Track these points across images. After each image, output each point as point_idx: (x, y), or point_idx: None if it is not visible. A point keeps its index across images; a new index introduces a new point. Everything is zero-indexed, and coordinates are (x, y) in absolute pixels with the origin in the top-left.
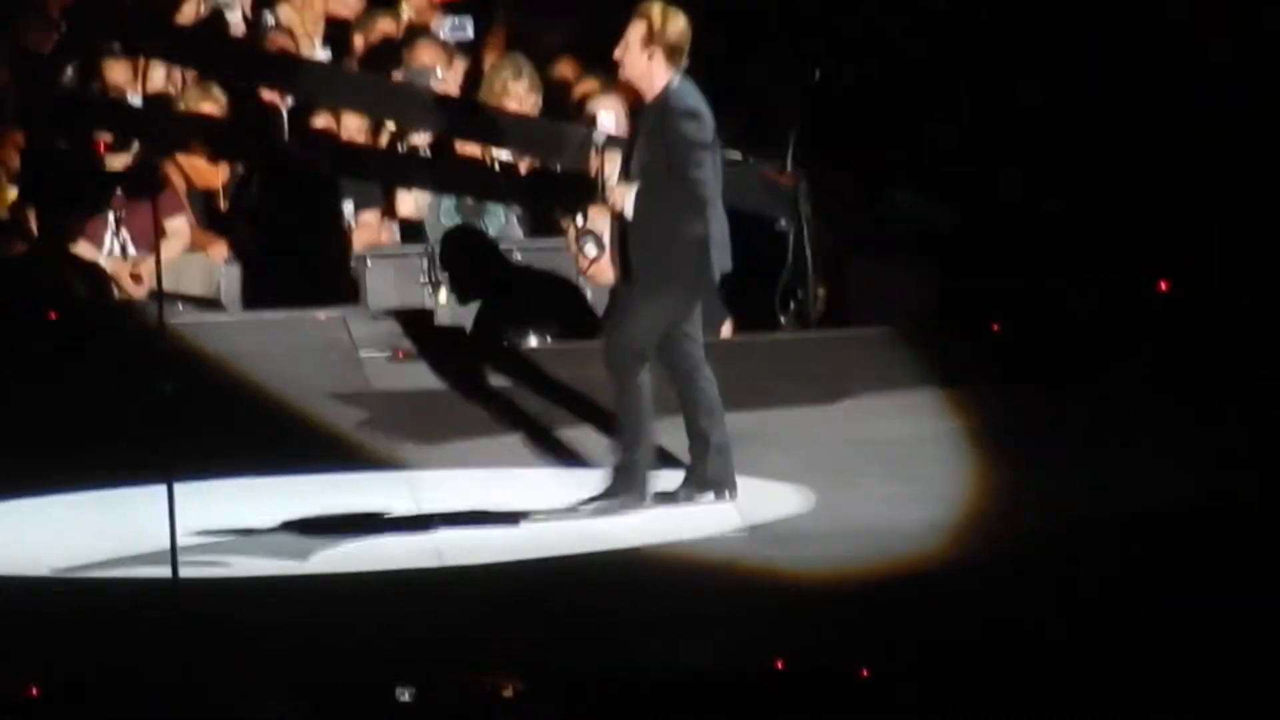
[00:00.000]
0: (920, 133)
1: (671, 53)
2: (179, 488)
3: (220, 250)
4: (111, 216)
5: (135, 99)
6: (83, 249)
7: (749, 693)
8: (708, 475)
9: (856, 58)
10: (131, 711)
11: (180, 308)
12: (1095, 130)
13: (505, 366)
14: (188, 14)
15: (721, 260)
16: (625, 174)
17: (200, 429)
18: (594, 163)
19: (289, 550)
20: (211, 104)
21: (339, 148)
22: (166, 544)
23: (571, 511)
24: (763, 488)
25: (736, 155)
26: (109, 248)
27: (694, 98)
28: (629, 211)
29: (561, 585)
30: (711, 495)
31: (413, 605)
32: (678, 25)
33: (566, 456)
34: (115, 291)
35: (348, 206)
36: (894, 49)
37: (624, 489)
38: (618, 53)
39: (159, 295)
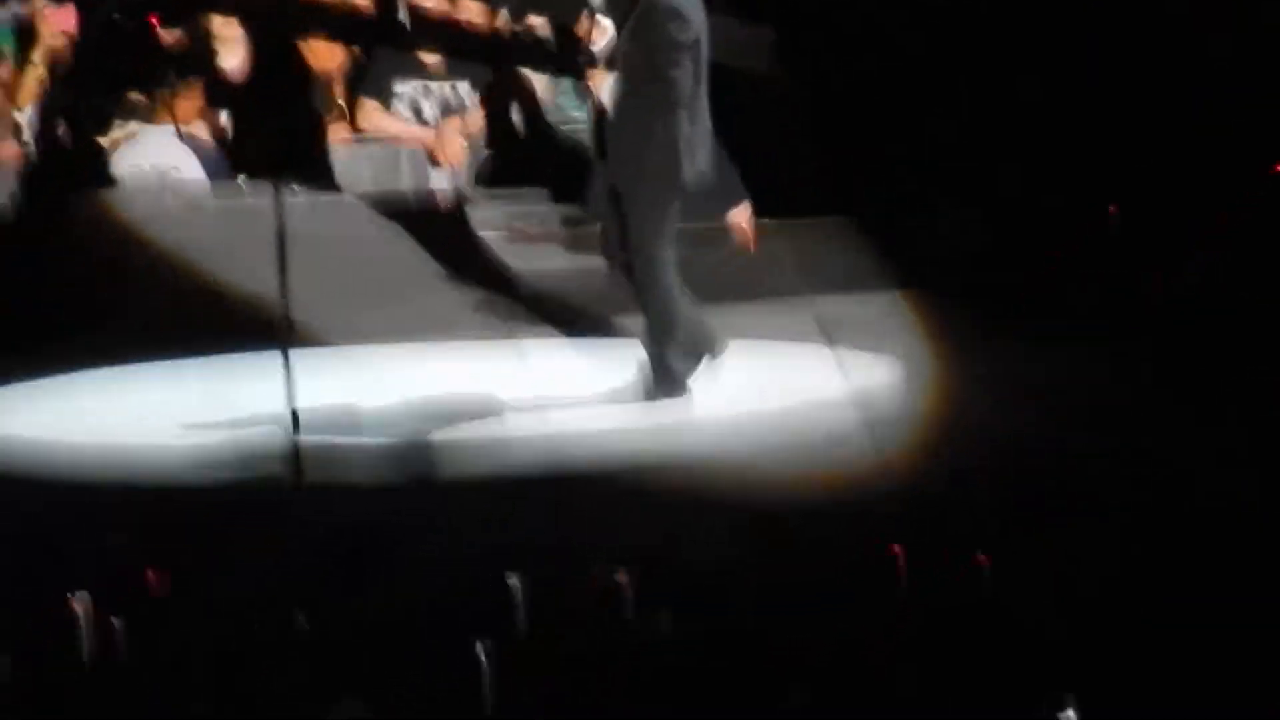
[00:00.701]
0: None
1: None
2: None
3: (337, 131)
4: (227, 96)
5: None
6: (197, 129)
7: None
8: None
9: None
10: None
11: (296, 188)
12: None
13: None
14: None
15: (693, 164)
16: (608, 58)
17: (315, 301)
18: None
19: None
20: None
21: (456, 28)
22: (283, 412)
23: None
24: (867, 366)
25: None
26: (227, 128)
27: None
28: (603, 97)
29: (666, 465)
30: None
31: (524, 479)
32: None
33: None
34: (233, 169)
35: (464, 87)
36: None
37: (660, 384)
38: None
39: (275, 175)
